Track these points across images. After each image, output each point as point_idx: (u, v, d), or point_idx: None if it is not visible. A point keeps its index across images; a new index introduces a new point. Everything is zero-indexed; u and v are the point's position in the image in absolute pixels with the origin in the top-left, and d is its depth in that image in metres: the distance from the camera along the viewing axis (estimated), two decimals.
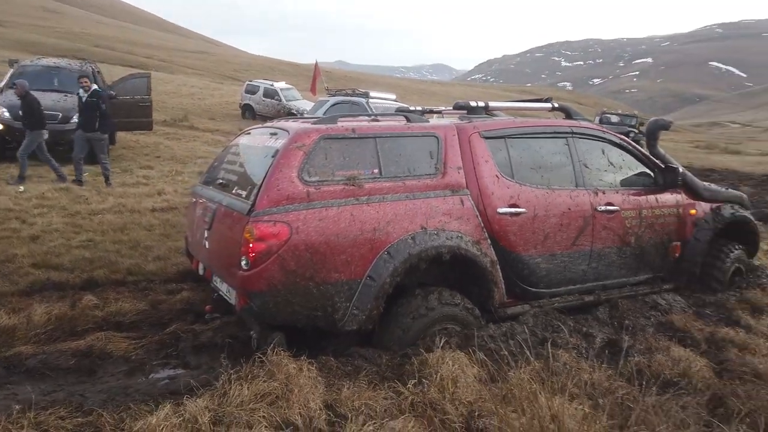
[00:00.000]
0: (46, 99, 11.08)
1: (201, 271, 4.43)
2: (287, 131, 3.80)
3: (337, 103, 12.93)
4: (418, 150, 3.98)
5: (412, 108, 5.55)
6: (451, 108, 5.05)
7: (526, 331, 3.81)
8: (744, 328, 4.32)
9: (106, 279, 5.20)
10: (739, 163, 23.63)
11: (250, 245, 3.37)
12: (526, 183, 4.26)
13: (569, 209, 4.38)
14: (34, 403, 2.77)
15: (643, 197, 4.83)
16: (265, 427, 2.63)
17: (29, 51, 34.71)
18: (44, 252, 5.86)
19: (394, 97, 13.71)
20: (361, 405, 2.85)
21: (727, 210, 5.33)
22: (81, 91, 10.18)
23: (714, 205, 5.32)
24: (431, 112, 5.24)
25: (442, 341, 3.40)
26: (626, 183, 4.84)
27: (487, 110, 4.83)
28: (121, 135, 14.84)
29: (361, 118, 4.48)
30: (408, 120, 4.18)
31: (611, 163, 4.84)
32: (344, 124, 3.94)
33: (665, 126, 5.53)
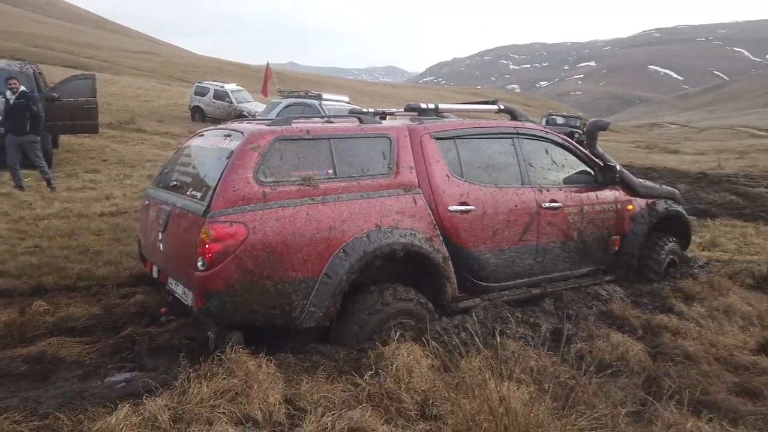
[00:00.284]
0: None
1: (155, 274, 4.41)
2: (242, 133, 3.85)
3: (290, 105, 12.90)
4: (372, 151, 4.10)
5: (365, 110, 5.67)
6: (403, 110, 5.19)
7: (477, 323, 3.98)
8: (677, 315, 4.64)
9: (56, 285, 5.09)
10: (677, 162, 24.81)
11: (207, 246, 3.40)
12: (475, 182, 4.44)
13: (516, 206, 4.58)
14: None
15: (585, 194, 5.10)
16: (225, 422, 2.68)
17: None
18: None
19: (347, 99, 13.79)
20: (319, 398, 2.94)
21: (661, 205, 5.68)
22: (8, 93, 9.78)
23: (649, 201, 5.66)
24: (383, 114, 5.37)
25: (398, 334, 3.52)
26: (568, 181, 5.10)
27: (436, 112, 5.00)
28: (64, 138, 14.37)
29: (314, 119, 4.57)
30: (361, 121, 4.29)
31: (554, 162, 5.09)
32: (298, 125, 4.01)
33: (603, 127, 5.84)
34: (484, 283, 4.46)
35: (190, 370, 3.03)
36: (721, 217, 10.39)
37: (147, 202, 4.57)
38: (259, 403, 2.85)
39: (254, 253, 3.47)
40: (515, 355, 3.46)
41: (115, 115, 21.65)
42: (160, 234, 4.09)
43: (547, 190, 4.83)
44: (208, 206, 3.50)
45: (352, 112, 5.37)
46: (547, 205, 4.76)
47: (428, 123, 4.53)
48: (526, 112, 5.69)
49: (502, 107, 5.40)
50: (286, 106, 13.05)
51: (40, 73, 13.06)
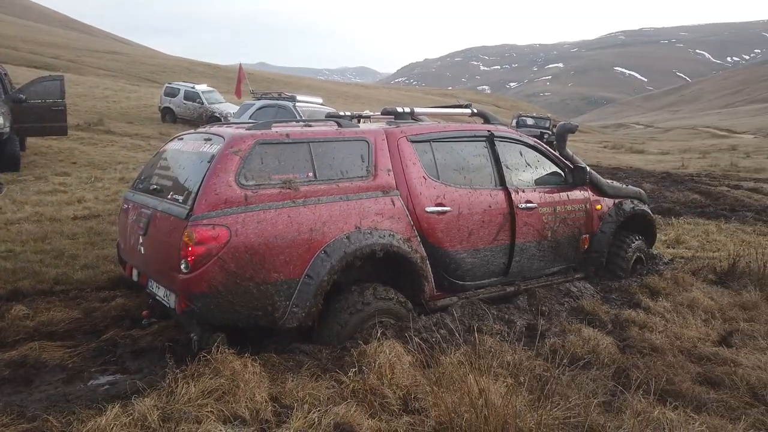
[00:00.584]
0: None
1: (135, 277, 4.42)
2: (222, 137, 3.90)
3: (264, 107, 12.88)
4: (350, 154, 4.19)
5: (341, 113, 5.76)
6: (379, 113, 5.30)
7: (455, 320, 4.11)
8: (644, 310, 4.85)
9: (33, 289, 5.04)
10: (643, 162, 25.50)
11: (189, 248, 3.45)
12: (450, 183, 4.57)
13: (490, 207, 4.73)
14: None
15: (557, 194, 5.28)
16: (214, 420, 2.74)
17: None
18: None
19: (320, 101, 13.81)
20: (305, 395, 3.02)
21: (628, 205, 5.91)
22: None
23: (616, 201, 5.88)
24: (360, 117, 5.46)
25: (379, 333, 3.62)
26: (541, 182, 5.27)
27: (412, 116, 5.12)
28: (32, 141, 14.11)
29: (293, 123, 4.64)
30: (339, 125, 4.39)
31: (527, 164, 5.25)
32: (278, 129, 4.08)
33: (572, 129, 6.04)
34: (461, 282, 4.60)
35: (177, 370, 3.08)
36: (684, 216, 10.76)
37: (126, 206, 4.58)
38: (246, 402, 2.92)
39: (237, 256, 3.53)
40: (492, 350, 3.60)
41: (82, 117, 21.26)
42: (140, 237, 4.11)
43: (522, 191, 4.99)
44: (191, 209, 3.55)
45: (329, 116, 5.45)
46: (523, 206, 4.92)
47: (404, 126, 4.64)
48: (497, 114, 5.85)
49: (474, 111, 5.55)
50: (260, 108, 13.01)
51: (5, 74, 12.79)
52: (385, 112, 5.15)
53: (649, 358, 3.83)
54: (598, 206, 5.68)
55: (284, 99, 12.87)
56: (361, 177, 4.15)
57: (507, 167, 5.01)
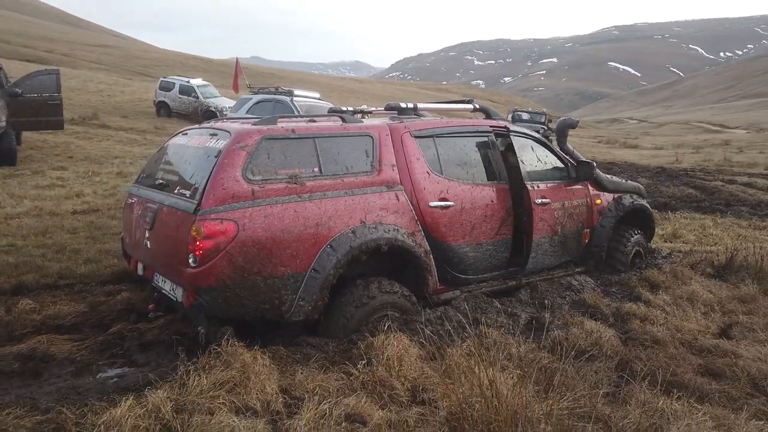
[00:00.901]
0: None
1: (140, 271, 4.44)
2: (228, 132, 3.92)
3: (261, 101, 12.85)
4: (355, 149, 4.22)
5: (343, 108, 5.78)
6: (383, 108, 5.32)
7: (459, 313, 4.15)
8: (644, 303, 4.91)
9: (37, 283, 5.06)
10: (637, 157, 25.62)
11: (198, 243, 3.48)
12: (453, 178, 4.61)
13: (492, 201, 4.78)
14: None
15: (564, 189, 5.34)
16: (226, 412, 2.78)
17: None
18: None
19: (318, 95, 13.78)
20: (315, 387, 3.06)
21: (627, 199, 5.97)
22: None
23: (616, 196, 5.94)
24: (362, 112, 5.48)
25: (386, 326, 3.67)
26: (550, 177, 5.32)
27: (415, 111, 5.15)
28: (27, 135, 14.03)
29: (298, 119, 4.66)
30: (344, 121, 4.41)
31: (538, 159, 5.31)
32: (284, 124, 4.11)
33: (573, 125, 6.09)
34: (464, 276, 4.64)
35: (189, 363, 3.11)
36: (680, 210, 10.86)
37: (131, 200, 4.59)
38: (257, 393, 2.96)
39: (245, 250, 3.56)
40: (497, 343, 3.64)
41: (77, 111, 21.12)
42: (146, 232, 4.13)
43: (538, 187, 5.04)
44: (199, 204, 3.57)
45: (332, 111, 5.47)
46: (539, 201, 4.97)
47: (408, 122, 4.68)
48: (496, 111, 5.88)
49: (477, 106, 5.58)
50: (257, 102, 12.98)
51: (0, 67, 12.72)
52: (388, 108, 5.17)
53: (651, 350, 3.89)
54: (598, 201, 5.73)
55: (281, 93, 12.83)
56: (366, 172, 4.18)
57: (522, 163, 5.06)
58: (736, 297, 5.20)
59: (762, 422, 2.96)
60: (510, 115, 28.97)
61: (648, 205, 6.33)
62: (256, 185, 3.68)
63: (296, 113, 11.33)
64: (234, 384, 3.00)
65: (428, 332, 3.72)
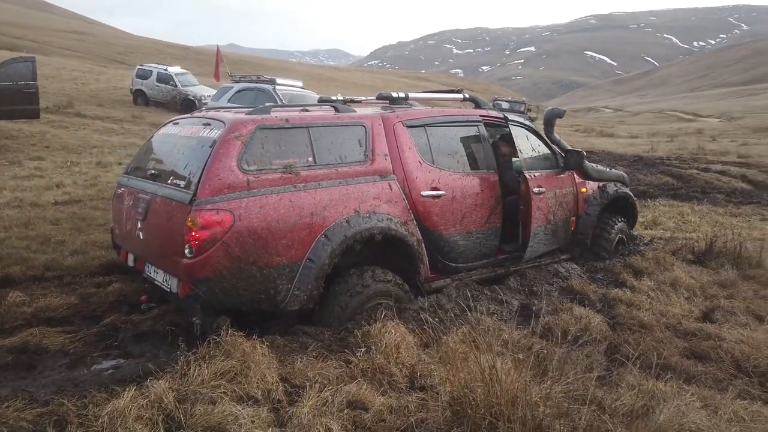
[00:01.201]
0: None
1: (131, 262, 4.41)
2: (222, 122, 3.90)
3: (242, 90, 12.72)
4: (348, 139, 4.24)
5: (333, 98, 5.77)
6: (373, 98, 5.33)
7: (452, 301, 4.22)
8: (630, 288, 5.05)
9: (24, 275, 4.99)
10: (614, 145, 25.90)
11: (193, 233, 3.47)
12: (444, 168, 4.66)
13: (482, 190, 4.84)
14: None
15: (554, 178, 5.44)
16: (228, 401, 2.80)
17: None
18: None
19: (300, 84, 13.66)
20: (315, 375, 3.10)
21: (611, 188, 6.09)
22: None
23: (600, 184, 6.05)
24: (353, 101, 5.49)
25: (383, 314, 3.71)
26: (542, 167, 5.40)
27: (406, 100, 5.17)
28: (1, 124, 13.69)
29: (292, 108, 4.65)
30: (337, 110, 4.42)
31: (533, 148, 5.40)
32: (277, 114, 4.10)
33: (560, 114, 6.17)
34: (454, 264, 4.71)
35: (189, 353, 3.12)
36: (659, 198, 11.08)
37: (121, 191, 4.54)
38: (257, 382, 2.99)
39: (241, 240, 3.56)
40: (491, 329, 3.72)
41: (51, 99, 20.62)
42: (138, 223, 4.10)
43: (534, 176, 5.12)
44: (194, 194, 3.56)
45: (322, 100, 5.46)
46: (536, 190, 5.06)
47: (400, 111, 4.70)
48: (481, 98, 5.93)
49: (466, 96, 5.63)
50: (238, 91, 12.85)
51: None
52: (380, 97, 5.19)
53: (639, 334, 4.01)
54: (584, 189, 5.85)
55: (263, 82, 12.71)
56: (359, 162, 4.20)
57: (521, 152, 5.13)
58: (717, 282, 5.36)
59: (746, 401, 3.08)
60: (491, 104, 29.13)
61: (631, 194, 6.46)
62: (251, 175, 3.68)
63: (279, 102, 11.24)
64: (235, 373, 3.02)
65: (423, 320, 3.78)
